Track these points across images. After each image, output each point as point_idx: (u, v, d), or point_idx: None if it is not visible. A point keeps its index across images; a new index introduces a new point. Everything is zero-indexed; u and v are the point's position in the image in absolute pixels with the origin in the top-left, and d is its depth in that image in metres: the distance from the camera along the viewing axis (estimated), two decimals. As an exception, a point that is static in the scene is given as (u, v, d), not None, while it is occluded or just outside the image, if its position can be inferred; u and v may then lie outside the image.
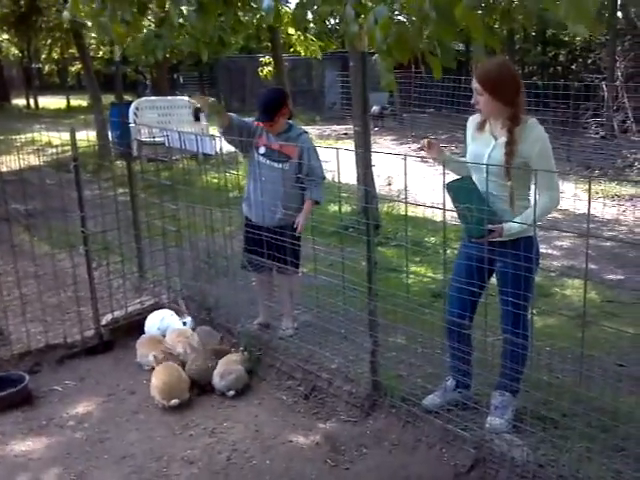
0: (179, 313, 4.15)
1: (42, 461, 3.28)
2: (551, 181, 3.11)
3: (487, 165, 3.03)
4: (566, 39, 18.92)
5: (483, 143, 3.22)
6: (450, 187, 3.19)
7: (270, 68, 12.39)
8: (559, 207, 3.31)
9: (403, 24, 2.46)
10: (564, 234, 7.03)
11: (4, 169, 5.54)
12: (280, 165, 4.26)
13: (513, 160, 3.07)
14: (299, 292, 4.65)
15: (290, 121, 4.34)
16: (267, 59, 12.92)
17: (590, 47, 17.84)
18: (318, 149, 4.28)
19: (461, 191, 3.18)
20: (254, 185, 4.35)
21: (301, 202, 4.30)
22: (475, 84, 3.13)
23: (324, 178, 4.36)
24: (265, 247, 4.14)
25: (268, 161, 4.27)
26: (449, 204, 3.12)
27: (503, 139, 3.12)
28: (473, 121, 3.34)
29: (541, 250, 3.37)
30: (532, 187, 3.15)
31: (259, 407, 3.75)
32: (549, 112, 10.63)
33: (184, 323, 4.15)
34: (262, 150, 4.30)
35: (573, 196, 8.30)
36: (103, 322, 4.48)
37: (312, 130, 16.60)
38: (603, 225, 7.67)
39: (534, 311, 3.30)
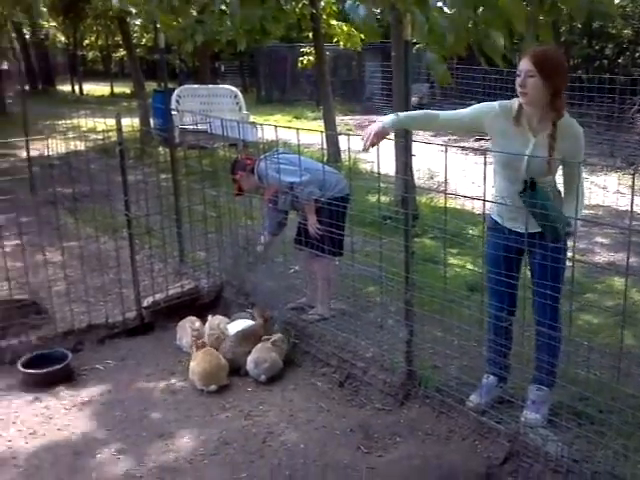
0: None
1: (83, 436, 3.38)
2: (581, 177, 3.16)
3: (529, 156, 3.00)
4: (613, 32, 18.43)
5: (519, 140, 3.07)
6: (526, 194, 3.06)
7: (311, 58, 12.40)
8: (602, 203, 3.27)
9: (454, 14, 2.46)
10: (605, 230, 6.91)
11: (50, 153, 5.67)
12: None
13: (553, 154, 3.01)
14: (335, 280, 4.68)
15: (256, 162, 4.47)
16: (308, 49, 12.94)
17: (638, 40, 17.38)
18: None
19: (538, 196, 3.04)
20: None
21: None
22: (527, 65, 2.93)
23: (293, 183, 4.28)
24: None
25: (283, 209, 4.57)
26: (488, 196, 3.10)
27: (543, 135, 3.04)
28: (505, 111, 3.10)
29: (582, 246, 3.33)
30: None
31: (294, 392, 3.80)
32: (594, 106, 10.42)
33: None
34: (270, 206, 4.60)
35: (616, 192, 8.15)
36: (144, 304, 4.59)
37: (351, 120, 16.59)
38: (646, 222, 7.51)
39: (573, 307, 3.26)
